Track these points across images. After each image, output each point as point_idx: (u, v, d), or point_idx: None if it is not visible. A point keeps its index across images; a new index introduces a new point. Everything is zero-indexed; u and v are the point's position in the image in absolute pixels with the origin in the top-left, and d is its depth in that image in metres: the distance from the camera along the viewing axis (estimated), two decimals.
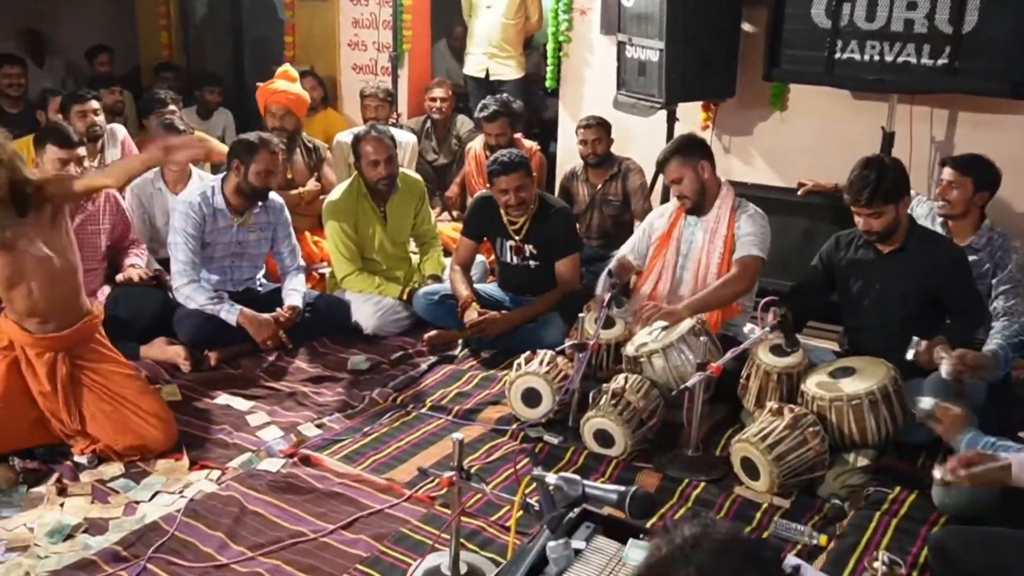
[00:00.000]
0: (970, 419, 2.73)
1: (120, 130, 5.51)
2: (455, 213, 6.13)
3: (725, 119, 5.37)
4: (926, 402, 2.81)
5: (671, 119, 5.11)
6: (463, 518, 2.67)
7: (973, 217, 3.96)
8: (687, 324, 3.65)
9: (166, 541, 2.85)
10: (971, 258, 3.94)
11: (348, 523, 2.95)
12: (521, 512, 2.18)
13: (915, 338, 3.29)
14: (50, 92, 6.20)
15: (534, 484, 2.13)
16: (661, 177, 5.03)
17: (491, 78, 6.44)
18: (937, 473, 2.46)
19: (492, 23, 6.36)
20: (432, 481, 3.15)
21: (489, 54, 6.41)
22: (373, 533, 2.90)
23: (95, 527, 2.97)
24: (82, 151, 4.21)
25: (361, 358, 4.22)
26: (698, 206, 4.01)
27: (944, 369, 3.13)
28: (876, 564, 2.66)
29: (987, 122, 4.55)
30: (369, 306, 4.51)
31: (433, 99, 6.29)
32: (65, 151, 4.09)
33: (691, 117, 5.33)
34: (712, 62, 4.85)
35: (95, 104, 5.25)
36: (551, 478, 2.01)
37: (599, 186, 5.28)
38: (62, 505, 3.09)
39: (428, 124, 6.42)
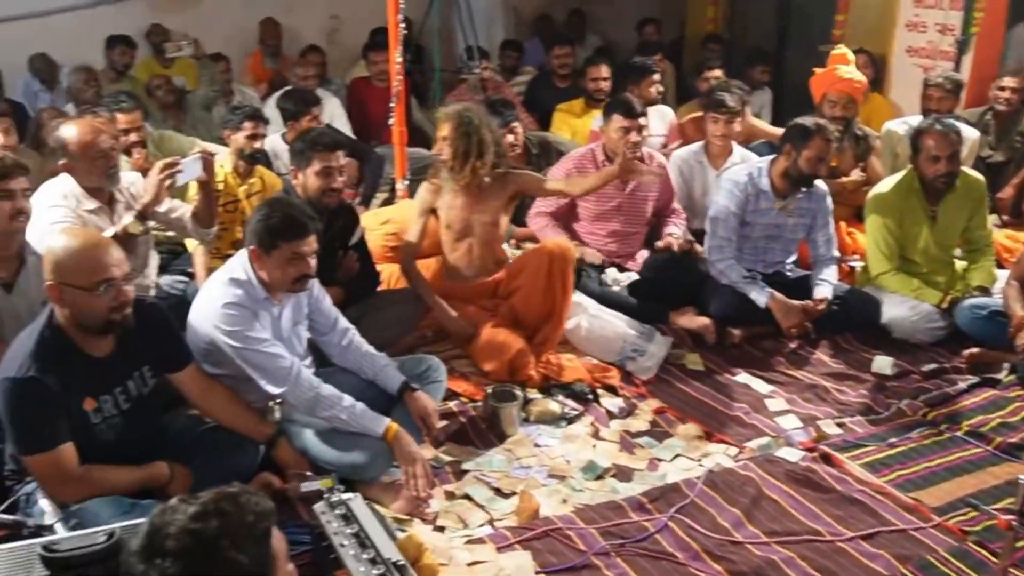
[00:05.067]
0: None
1: (668, 112, 5.82)
2: (1005, 218, 5.51)
3: None
4: None
5: None
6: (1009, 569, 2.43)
7: None
8: None
9: (686, 505, 2.97)
10: None
11: (869, 535, 2.84)
12: None
13: None
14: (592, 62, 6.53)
15: None
16: None
17: None
18: None
19: None
20: (969, 513, 2.90)
21: None
22: (895, 552, 2.74)
23: (622, 473, 3.22)
24: (643, 120, 4.54)
25: (888, 361, 3.98)
26: None
27: None
28: None
29: None
30: (904, 309, 4.21)
31: (1002, 88, 5.65)
32: (628, 120, 4.46)
33: None
34: None
35: (657, 76, 5.63)
36: None
37: None
38: (594, 447, 3.38)
39: (988, 116, 5.79)
